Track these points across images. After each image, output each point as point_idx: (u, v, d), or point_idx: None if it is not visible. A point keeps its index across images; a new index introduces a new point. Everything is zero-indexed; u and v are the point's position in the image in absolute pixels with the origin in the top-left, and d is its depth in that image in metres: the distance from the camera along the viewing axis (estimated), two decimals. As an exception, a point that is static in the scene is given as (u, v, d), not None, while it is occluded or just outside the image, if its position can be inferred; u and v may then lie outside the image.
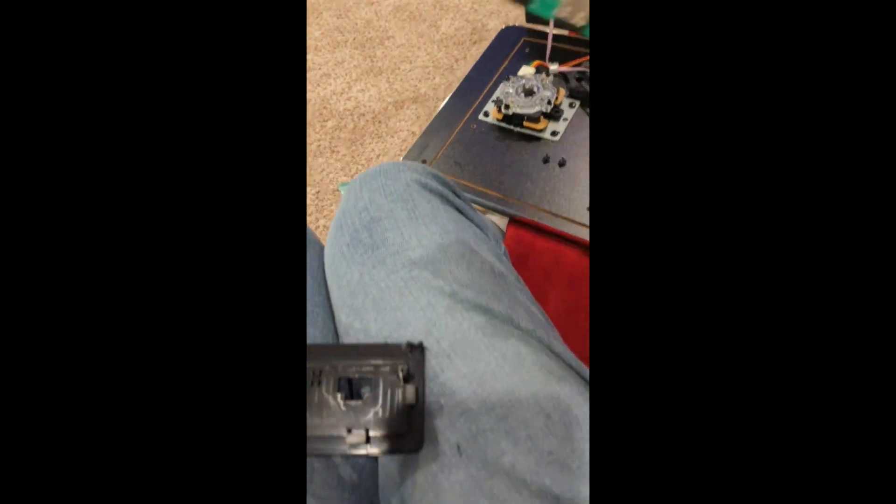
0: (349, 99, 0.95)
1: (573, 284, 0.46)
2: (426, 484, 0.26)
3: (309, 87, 0.99)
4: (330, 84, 0.98)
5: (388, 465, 0.29)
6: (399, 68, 0.97)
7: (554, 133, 0.51)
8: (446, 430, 0.26)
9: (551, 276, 0.47)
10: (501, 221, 0.51)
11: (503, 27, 0.70)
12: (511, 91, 0.52)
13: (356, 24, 1.07)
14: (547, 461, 0.24)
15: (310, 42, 1.06)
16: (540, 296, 0.38)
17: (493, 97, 0.55)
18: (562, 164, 0.49)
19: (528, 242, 0.48)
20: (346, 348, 0.29)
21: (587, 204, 0.46)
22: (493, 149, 0.52)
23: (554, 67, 0.54)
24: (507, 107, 0.52)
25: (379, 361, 0.27)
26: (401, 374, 0.26)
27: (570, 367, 0.29)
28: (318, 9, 1.11)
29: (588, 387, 0.29)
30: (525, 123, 0.52)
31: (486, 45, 0.98)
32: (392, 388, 0.26)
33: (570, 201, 0.46)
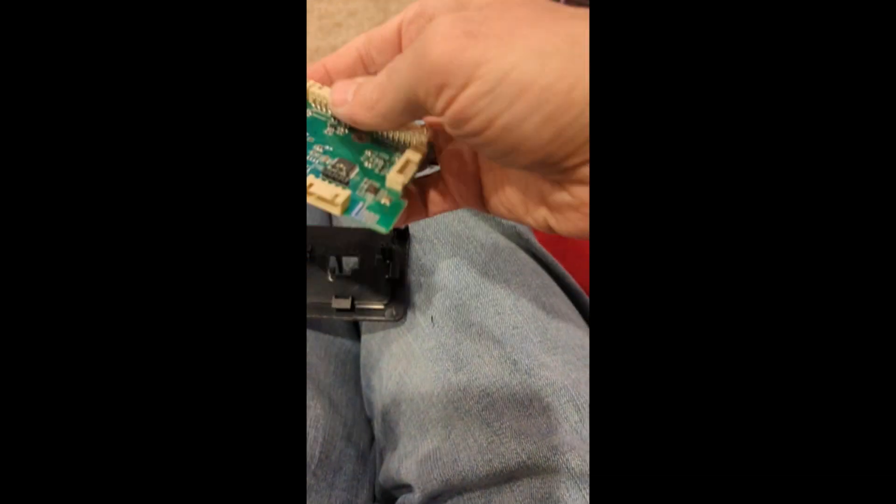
0: (359, 50, 0.96)
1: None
2: (400, 353, 0.28)
3: (320, 35, 0.99)
4: (342, 34, 0.98)
5: (369, 342, 0.31)
6: (412, 24, 0.98)
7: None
8: (423, 304, 0.29)
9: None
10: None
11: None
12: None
13: (373, -24, 1.06)
14: (511, 333, 0.27)
15: (324, -10, 1.05)
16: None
17: None
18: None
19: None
20: (338, 230, 0.31)
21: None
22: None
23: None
24: None
25: (367, 241, 0.29)
26: (386, 253, 0.29)
27: (546, 264, 0.32)
28: (336, -42, 1.11)
29: (562, 286, 0.31)
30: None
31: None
32: (378, 265, 0.28)
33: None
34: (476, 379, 0.25)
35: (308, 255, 0.29)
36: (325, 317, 0.29)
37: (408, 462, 0.26)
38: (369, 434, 0.31)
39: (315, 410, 0.27)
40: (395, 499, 0.28)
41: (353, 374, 0.31)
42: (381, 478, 0.28)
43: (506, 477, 0.23)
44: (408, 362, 0.28)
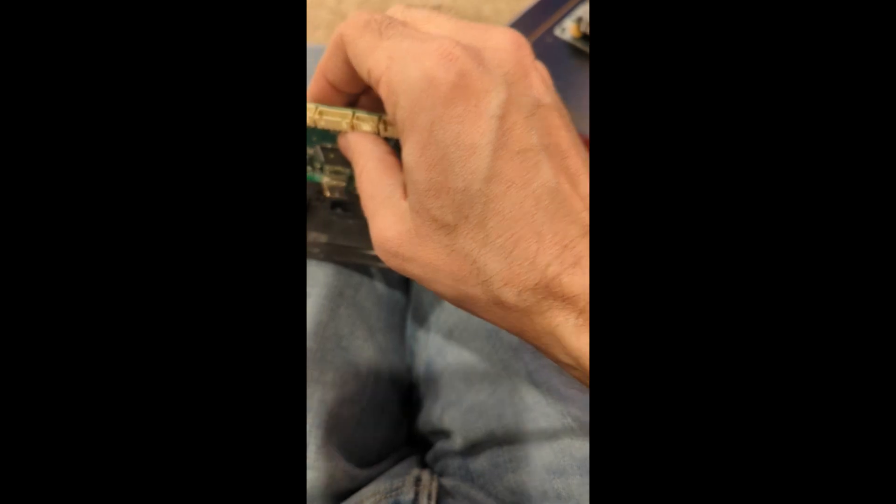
0: (412, 3, 0.94)
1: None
2: (452, 308, 0.30)
3: (370, -15, 0.98)
4: (392, -14, 0.97)
5: (420, 295, 0.32)
6: (466, -16, 0.96)
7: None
8: None
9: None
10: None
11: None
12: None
13: (431, -71, 1.04)
14: None
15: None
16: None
17: (576, 14, 0.55)
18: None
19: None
20: None
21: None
22: (563, 66, 0.51)
23: None
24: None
25: None
26: None
27: None
28: None
29: None
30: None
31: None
32: None
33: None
34: (527, 345, 0.27)
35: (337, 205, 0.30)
36: (380, 265, 0.30)
37: (451, 411, 0.28)
38: (409, 382, 0.32)
39: (367, 352, 0.28)
40: (430, 444, 0.30)
41: (399, 323, 0.33)
42: (419, 422, 0.30)
43: (548, 435, 0.24)
44: (459, 318, 0.29)
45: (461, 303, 0.17)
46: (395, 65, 0.15)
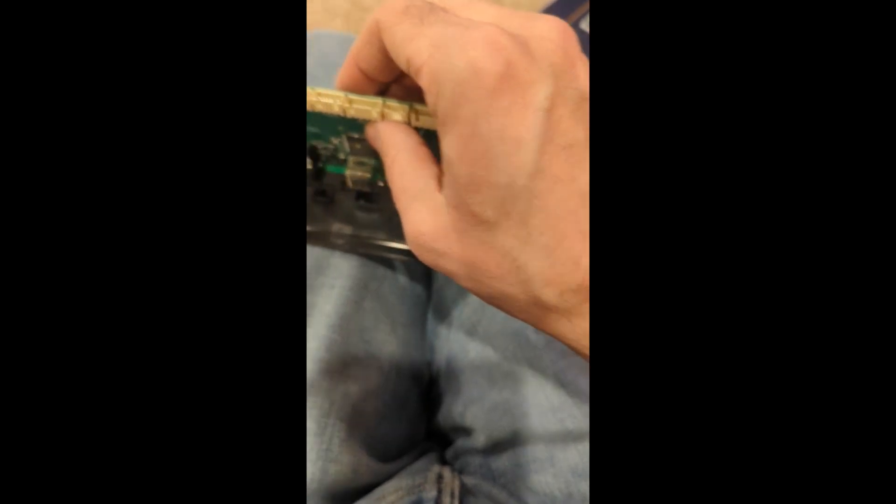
0: None
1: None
2: (476, 303, 0.29)
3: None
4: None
5: (443, 290, 0.32)
6: (487, -25, 0.95)
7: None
8: None
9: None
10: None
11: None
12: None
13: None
14: None
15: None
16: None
17: None
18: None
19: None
20: None
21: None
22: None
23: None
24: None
25: None
26: None
27: None
28: None
29: None
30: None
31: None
32: None
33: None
34: (554, 341, 0.26)
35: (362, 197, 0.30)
36: (404, 258, 0.29)
37: (473, 408, 0.27)
38: (428, 377, 0.32)
39: (390, 346, 0.28)
40: (450, 440, 0.30)
41: (421, 318, 0.32)
42: (439, 418, 0.30)
43: (574, 437, 0.24)
44: (483, 314, 0.28)
45: (496, 301, 0.17)
46: (438, 53, 0.15)
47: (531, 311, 0.16)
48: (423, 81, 0.15)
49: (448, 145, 0.15)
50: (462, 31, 0.15)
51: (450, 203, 0.16)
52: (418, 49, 0.15)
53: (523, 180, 0.14)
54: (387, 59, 0.17)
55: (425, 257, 0.17)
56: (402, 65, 0.16)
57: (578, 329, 0.15)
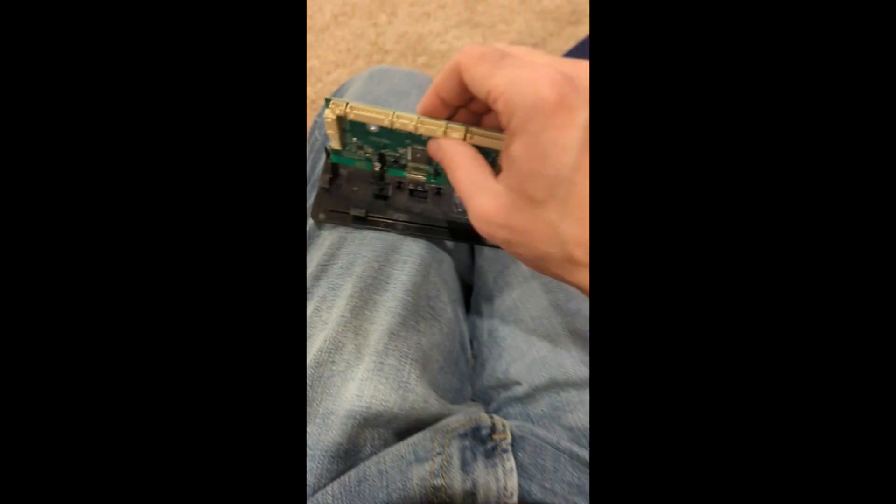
0: (444, 42, 1.03)
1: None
2: (515, 282, 0.36)
3: (408, 21, 1.06)
4: (429, 24, 1.06)
5: (485, 272, 0.38)
6: (496, 27, 1.05)
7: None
8: None
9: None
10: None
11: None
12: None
13: (465, -24, 1.14)
14: None
15: (418, -19, 1.13)
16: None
17: None
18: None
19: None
20: None
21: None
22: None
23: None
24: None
25: None
26: None
27: None
28: (433, -47, 1.18)
29: None
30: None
31: (581, 27, 1.06)
32: None
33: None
34: (581, 310, 0.33)
35: (438, 191, 0.36)
36: (447, 239, 0.35)
37: (516, 364, 0.33)
38: (471, 352, 0.38)
39: (447, 314, 0.34)
40: (490, 400, 0.36)
41: (464, 298, 0.39)
42: (485, 379, 0.36)
43: (601, 380, 0.30)
44: (522, 291, 0.35)
45: (538, 260, 0.23)
46: (512, 87, 0.21)
47: (564, 266, 0.22)
48: (499, 106, 0.22)
49: (515, 148, 0.21)
50: (529, 70, 0.21)
51: (511, 188, 0.22)
52: (496, 84, 0.21)
53: (567, 173, 0.20)
54: (461, 90, 0.24)
55: (484, 229, 0.23)
56: (482, 95, 0.22)
57: None
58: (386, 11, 1.10)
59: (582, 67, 0.22)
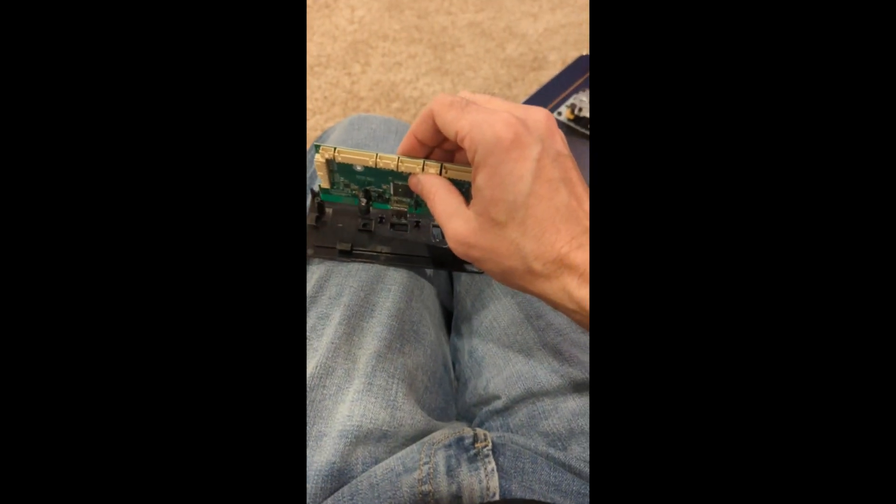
0: (415, 89, 1.09)
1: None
2: (490, 305, 0.39)
3: (381, 70, 1.13)
4: (400, 72, 1.12)
5: (464, 299, 0.42)
6: (464, 74, 1.12)
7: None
8: None
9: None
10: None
11: (581, 56, 0.83)
12: (585, 99, 0.67)
13: (433, 27, 1.21)
14: None
15: (388, 33, 1.19)
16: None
17: (569, 102, 0.69)
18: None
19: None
20: None
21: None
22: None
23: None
24: (580, 110, 0.66)
25: None
26: None
27: None
28: (401, 6, 1.26)
29: None
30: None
31: (543, 73, 1.13)
32: None
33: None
34: (552, 324, 0.36)
35: (417, 223, 0.38)
36: (427, 268, 0.39)
37: (495, 380, 0.36)
38: (453, 373, 0.41)
39: (430, 337, 0.37)
40: (472, 417, 0.38)
41: (446, 322, 0.42)
42: (466, 397, 0.38)
43: (572, 389, 0.33)
44: (494, 315, 0.38)
45: (504, 274, 0.26)
46: (474, 129, 0.25)
47: (526, 278, 0.25)
48: (465, 144, 0.26)
49: (480, 179, 0.25)
50: (489, 115, 0.25)
51: (477, 213, 0.26)
52: (462, 126, 0.26)
53: (522, 198, 0.24)
54: (435, 132, 0.28)
55: (459, 249, 0.27)
56: (451, 135, 0.27)
57: (556, 286, 0.25)
58: (360, 62, 1.16)
59: (532, 111, 0.27)
